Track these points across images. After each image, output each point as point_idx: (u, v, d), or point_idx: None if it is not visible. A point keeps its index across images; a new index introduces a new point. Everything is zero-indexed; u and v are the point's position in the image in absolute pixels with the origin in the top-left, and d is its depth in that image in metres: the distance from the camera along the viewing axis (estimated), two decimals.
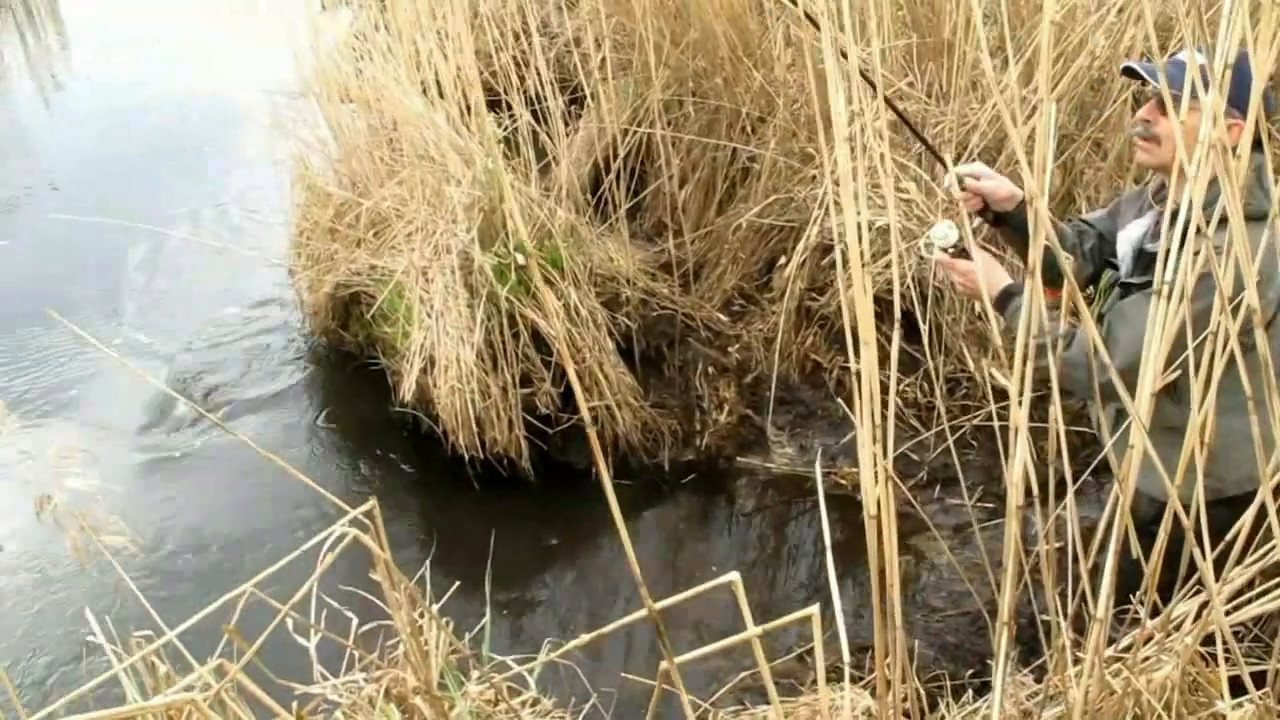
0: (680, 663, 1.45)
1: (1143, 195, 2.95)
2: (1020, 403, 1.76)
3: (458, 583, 2.73)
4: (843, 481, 4.74)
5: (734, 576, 1.36)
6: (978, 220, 3.16)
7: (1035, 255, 1.77)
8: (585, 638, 1.58)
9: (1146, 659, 2.19)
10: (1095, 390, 2.36)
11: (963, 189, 3.06)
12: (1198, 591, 2.21)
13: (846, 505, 4.54)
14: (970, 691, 2.85)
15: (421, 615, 2.39)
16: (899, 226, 4.86)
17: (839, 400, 5.02)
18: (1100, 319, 2.97)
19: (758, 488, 4.90)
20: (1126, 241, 2.90)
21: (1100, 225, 3.15)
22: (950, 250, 2.99)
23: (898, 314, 1.77)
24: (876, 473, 1.68)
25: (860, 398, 1.64)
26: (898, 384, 4.91)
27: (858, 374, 1.68)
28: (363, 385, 5.51)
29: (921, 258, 3.07)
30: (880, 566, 1.71)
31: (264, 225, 7.06)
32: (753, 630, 1.38)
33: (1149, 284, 2.75)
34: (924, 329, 4.50)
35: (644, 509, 4.85)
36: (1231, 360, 1.85)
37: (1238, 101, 2.26)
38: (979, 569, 4.12)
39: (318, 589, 2.24)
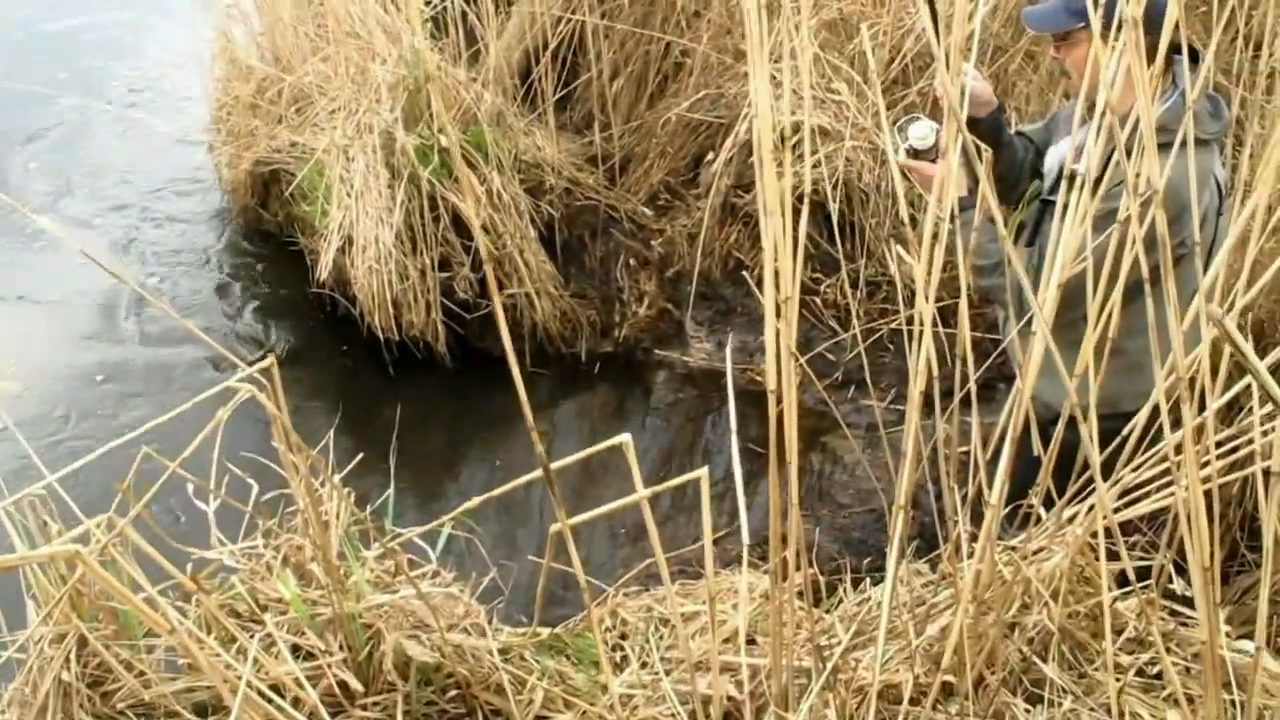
0: (573, 524, 1.45)
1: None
2: (927, 286, 1.76)
3: (362, 454, 2.71)
4: (758, 379, 4.76)
5: (625, 438, 1.35)
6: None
7: (951, 139, 1.77)
8: (477, 500, 1.58)
9: (1038, 550, 2.24)
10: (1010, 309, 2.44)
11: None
12: (1090, 494, 2.25)
13: (761, 402, 4.53)
14: (868, 580, 2.89)
15: (323, 484, 2.37)
16: (828, 127, 4.85)
17: (759, 296, 5.04)
18: (1020, 228, 3.00)
19: (674, 381, 4.92)
20: (1055, 155, 2.92)
21: (1037, 138, 3.17)
22: (922, 151, 2.95)
23: (808, 186, 1.75)
24: (780, 350, 1.68)
25: (767, 270, 1.63)
26: (818, 284, 4.93)
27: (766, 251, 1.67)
28: (280, 264, 5.43)
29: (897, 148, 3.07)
30: (780, 443, 1.72)
31: (183, 99, 6.88)
32: (642, 493, 1.38)
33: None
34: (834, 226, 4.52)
35: (559, 399, 4.84)
36: (1139, 285, 1.85)
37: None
38: (887, 468, 4.17)
39: (220, 456, 2.22)
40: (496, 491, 1.51)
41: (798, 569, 2.07)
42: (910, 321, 4.08)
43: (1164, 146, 1.79)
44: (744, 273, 5.15)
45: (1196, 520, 1.57)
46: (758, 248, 5.10)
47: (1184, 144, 1.74)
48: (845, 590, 2.79)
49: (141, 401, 4.67)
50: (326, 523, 2.31)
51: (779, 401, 1.69)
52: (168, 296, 5.29)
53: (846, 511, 4.11)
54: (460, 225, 4.71)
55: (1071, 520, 2.25)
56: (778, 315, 1.67)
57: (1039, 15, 2.82)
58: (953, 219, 2.91)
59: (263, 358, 1.76)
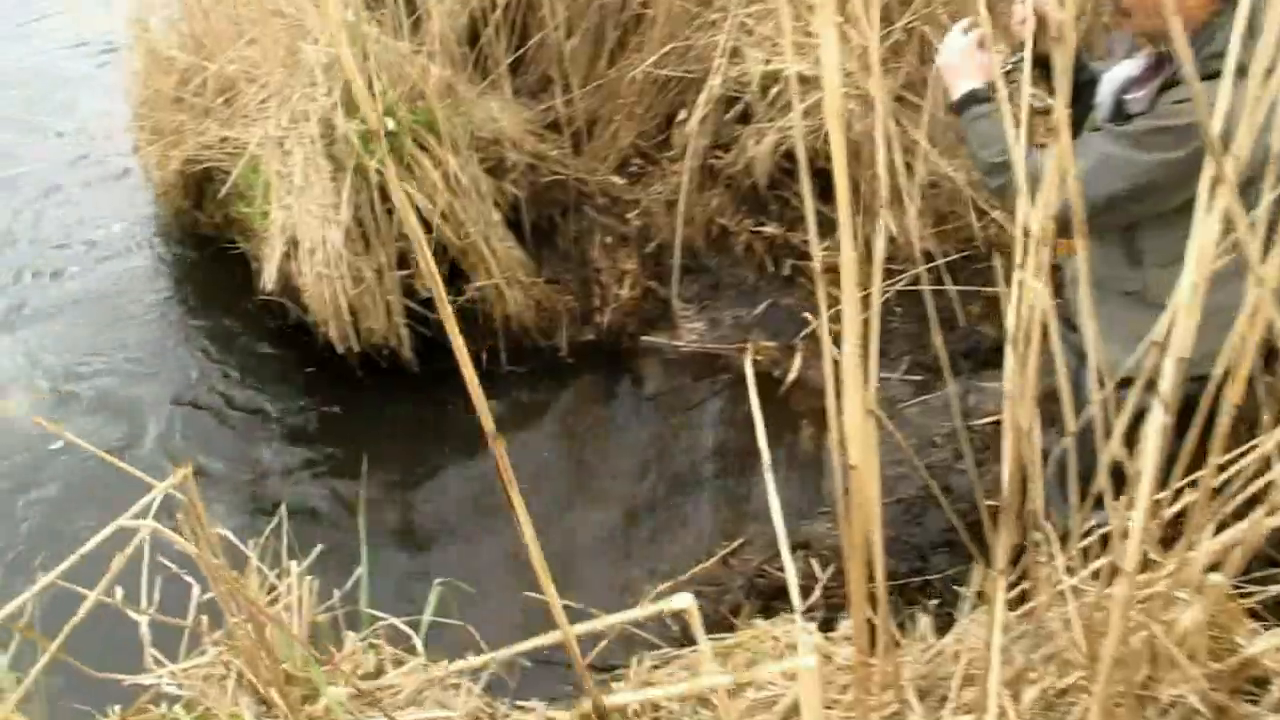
0: (614, 704, 1.03)
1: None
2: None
3: (329, 514, 2.28)
4: (758, 358, 4.35)
5: (688, 603, 0.94)
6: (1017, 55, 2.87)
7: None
8: (494, 655, 1.16)
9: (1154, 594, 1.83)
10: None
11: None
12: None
13: (763, 383, 4.16)
14: (920, 616, 2.47)
15: (279, 576, 1.95)
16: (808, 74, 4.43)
17: (747, 268, 4.63)
18: None
19: (664, 367, 4.52)
20: (1110, 82, 2.57)
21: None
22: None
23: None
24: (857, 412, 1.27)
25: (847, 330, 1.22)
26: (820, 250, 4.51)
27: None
28: (222, 272, 4.97)
29: None
30: (863, 532, 1.31)
31: (101, 96, 6.37)
32: (720, 680, 0.96)
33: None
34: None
35: (541, 397, 4.44)
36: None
37: None
38: (912, 450, 3.79)
39: (150, 552, 1.80)
40: (520, 648, 1.09)
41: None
42: (918, 281, 3.66)
43: (1213, 76, 1.43)
44: (730, 239, 4.73)
45: None
46: (742, 211, 4.70)
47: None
48: (905, 622, 2.38)
49: (40, 524, 3.98)
50: (288, 620, 1.89)
51: (860, 480, 1.28)
52: (99, 322, 4.80)
53: None
54: (418, 216, 4.26)
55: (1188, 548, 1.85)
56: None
57: None
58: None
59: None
